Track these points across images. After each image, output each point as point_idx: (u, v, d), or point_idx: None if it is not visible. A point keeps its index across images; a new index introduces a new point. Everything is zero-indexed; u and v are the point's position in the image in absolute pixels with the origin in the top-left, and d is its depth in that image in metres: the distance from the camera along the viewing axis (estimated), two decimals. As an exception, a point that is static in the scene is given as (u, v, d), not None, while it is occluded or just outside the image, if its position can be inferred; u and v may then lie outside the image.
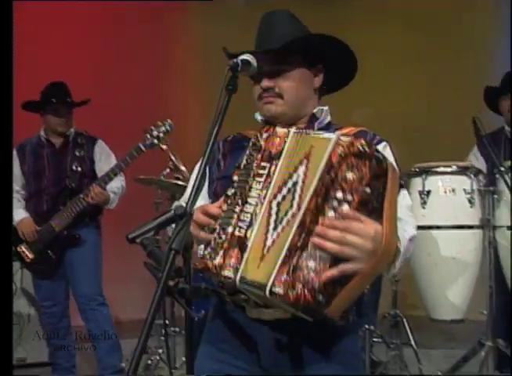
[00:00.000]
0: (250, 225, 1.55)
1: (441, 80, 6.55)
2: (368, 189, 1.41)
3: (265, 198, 1.56)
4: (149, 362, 4.52)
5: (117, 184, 4.18)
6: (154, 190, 4.46)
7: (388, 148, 1.82)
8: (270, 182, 1.56)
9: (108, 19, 6.55)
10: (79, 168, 4.07)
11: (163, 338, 4.65)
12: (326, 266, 1.39)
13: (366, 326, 3.84)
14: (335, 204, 1.42)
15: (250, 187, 1.59)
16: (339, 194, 1.42)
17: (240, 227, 1.56)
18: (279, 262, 1.44)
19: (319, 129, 1.84)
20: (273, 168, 1.58)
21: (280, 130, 1.62)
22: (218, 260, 1.54)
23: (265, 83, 1.82)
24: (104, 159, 4.28)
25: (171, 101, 6.73)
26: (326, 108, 1.90)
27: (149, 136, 3.69)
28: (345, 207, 1.41)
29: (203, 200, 1.81)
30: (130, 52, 6.45)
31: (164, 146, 3.74)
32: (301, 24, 1.91)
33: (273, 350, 1.67)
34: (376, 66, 6.50)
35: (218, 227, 1.58)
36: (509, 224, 3.57)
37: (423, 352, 4.49)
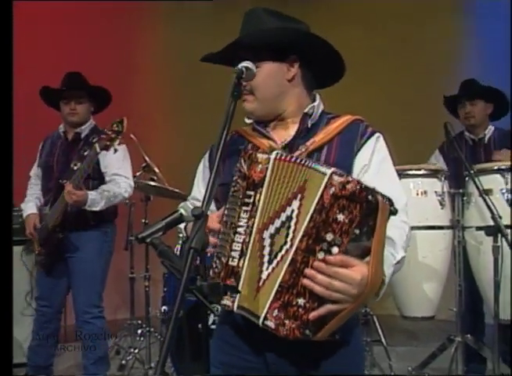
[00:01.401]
0: (242, 255, 1.62)
1: (403, 81, 6.66)
2: (358, 231, 1.46)
3: (252, 227, 1.61)
4: (124, 362, 4.57)
5: (110, 186, 4.01)
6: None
7: (381, 139, 1.85)
8: (256, 211, 1.61)
9: (68, 20, 6.49)
10: (76, 167, 3.84)
11: (138, 338, 4.72)
12: (315, 304, 1.49)
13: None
14: (325, 246, 1.48)
15: (239, 216, 1.63)
16: (329, 236, 1.47)
17: (233, 257, 1.62)
18: (272, 297, 1.54)
19: (314, 125, 1.87)
20: (258, 196, 1.62)
21: (260, 156, 1.64)
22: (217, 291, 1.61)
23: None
24: (108, 157, 3.94)
25: (134, 104, 6.72)
26: (316, 103, 1.89)
27: (103, 136, 3.59)
28: (335, 250, 1.47)
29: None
30: (91, 54, 6.38)
31: (118, 147, 3.66)
32: (277, 19, 1.88)
33: (278, 352, 1.73)
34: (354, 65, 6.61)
35: (214, 257, 1.65)
36: (477, 225, 3.69)
37: (390, 350, 4.64)
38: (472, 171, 3.57)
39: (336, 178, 1.50)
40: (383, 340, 4.57)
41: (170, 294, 4.11)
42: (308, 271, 1.49)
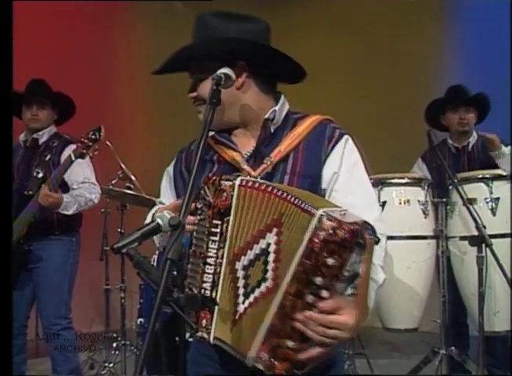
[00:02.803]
0: (214, 286, 1.61)
1: (386, 87, 6.70)
2: (346, 274, 1.47)
3: (222, 258, 1.60)
4: (98, 376, 4.53)
5: (81, 191, 3.98)
6: (102, 199, 4.43)
7: (350, 142, 1.82)
8: (225, 242, 1.60)
9: (44, 24, 6.45)
10: (40, 174, 3.85)
11: (113, 351, 4.68)
12: (305, 345, 1.49)
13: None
14: (314, 289, 1.46)
15: (207, 246, 1.62)
16: (319, 280, 1.45)
17: (205, 289, 1.61)
18: (260, 339, 1.52)
19: (277, 129, 1.84)
20: (225, 225, 1.60)
21: (224, 183, 1.61)
22: (191, 320, 1.61)
23: (190, 95, 1.87)
24: (77, 168, 3.89)
25: (115, 110, 6.70)
26: (278, 107, 1.85)
27: (79, 145, 3.57)
28: (324, 293, 1.46)
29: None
30: (68, 60, 6.35)
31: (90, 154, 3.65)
32: (229, 22, 1.84)
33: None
34: (320, 72, 6.65)
35: (185, 287, 1.64)
36: (461, 234, 3.72)
37: (373, 363, 4.63)
38: (456, 180, 3.60)
39: (326, 222, 1.45)
40: (365, 352, 4.57)
41: (146, 305, 4.09)
42: (300, 317, 1.47)
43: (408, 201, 3.79)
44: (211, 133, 1.88)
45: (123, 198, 4.74)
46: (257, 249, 1.56)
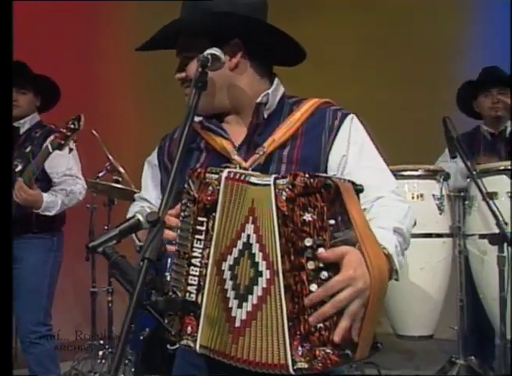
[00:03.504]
0: (200, 289, 1.61)
1: (400, 71, 6.67)
2: (332, 221, 1.46)
3: (208, 259, 1.60)
4: (83, 387, 4.55)
5: (63, 187, 3.98)
6: (88, 194, 4.45)
7: (356, 120, 1.85)
8: (211, 240, 1.60)
9: (27, 5, 6.45)
10: (19, 167, 3.83)
11: (99, 360, 4.70)
12: (334, 319, 1.45)
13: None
14: (309, 253, 1.46)
15: (192, 246, 1.63)
16: (308, 241, 1.46)
17: (190, 292, 1.61)
18: (287, 336, 1.48)
19: (271, 115, 1.85)
20: (211, 222, 1.60)
21: (210, 176, 1.62)
22: (176, 327, 1.62)
23: (177, 75, 1.87)
24: (56, 157, 3.83)
25: (103, 97, 6.69)
26: (271, 90, 1.86)
27: (57, 135, 3.57)
28: (321, 250, 1.45)
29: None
30: (54, 41, 6.34)
31: (71, 146, 3.66)
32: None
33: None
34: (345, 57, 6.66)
35: (169, 290, 1.63)
36: (481, 232, 3.72)
37: (384, 374, 4.64)
38: (474, 172, 3.57)
39: (281, 181, 1.51)
40: (376, 362, 4.57)
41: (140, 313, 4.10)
42: (307, 301, 1.46)
43: (421, 196, 3.79)
44: (199, 118, 1.89)
45: (110, 192, 4.77)
46: (240, 245, 1.57)
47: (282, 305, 1.49)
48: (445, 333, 4.03)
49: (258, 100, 1.84)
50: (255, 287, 1.53)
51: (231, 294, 1.57)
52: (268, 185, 1.52)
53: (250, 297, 1.54)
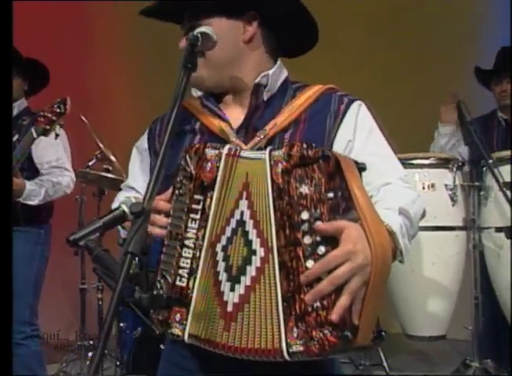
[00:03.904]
0: (192, 273, 1.59)
1: (420, 61, 6.63)
2: (331, 194, 1.45)
3: (203, 240, 1.59)
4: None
5: (49, 177, 3.97)
6: (77, 184, 4.43)
7: (364, 107, 1.84)
8: (207, 220, 1.59)
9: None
10: None
11: (89, 362, 4.68)
12: (332, 297, 1.42)
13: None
14: (306, 227, 1.46)
15: (186, 226, 1.62)
16: (304, 215, 1.46)
17: (181, 276, 1.60)
18: (281, 317, 1.46)
19: (272, 98, 1.85)
20: (208, 201, 1.60)
21: (210, 152, 1.62)
22: (163, 315, 1.60)
23: (181, 44, 1.83)
24: (44, 146, 3.91)
25: (94, 82, 6.67)
26: (271, 71, 1.85)
27: (41, 119, 3.54)
28: (318, 223, 1.44)
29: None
30: (44, 26, 6.32)
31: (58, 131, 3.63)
32: None
33: None
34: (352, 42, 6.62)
35: (158, 273, 1.63)
36: (497, 225, 3.67)
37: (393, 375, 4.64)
38: (490, 160, 3.54)
39: (276, 152, 1.53)
40: (385, 364, 4.57)
41: (130, 312, 4.09)
42: (302, 278, 1.44)
43: (433, 186, 3.76)
44: (199, 94, 1.89)
45: (100, 182, 4.74)
46: (233, 223, 1.56)
47: (276, 285, 1.48)
48: (458, 333, 4.00)
49: (257, 81, 1.84)
50: (248, 268, 1.53)
51: (223, 276, 1.56)
52: (262, 157, 1.54)
53: (243, 278, 1.53)
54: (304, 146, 1.49)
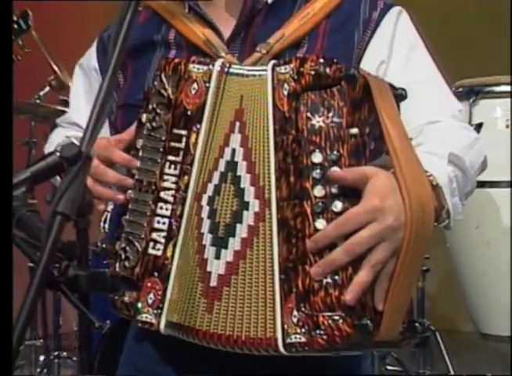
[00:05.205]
0: (170, 237, 1.60)
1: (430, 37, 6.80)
2: (355, 130, 1.44)
3: (186, 191, 1.59)
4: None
5: None
6: (24, 123, 4.44)
7: (405, 15, 1.87)
8: (192, 164, 1.59)
9: None
10: None
11: (40, 369, 4.72)
12: (348, 271, 1.40)
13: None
14: (317, 174, 1.44)
15: (162, 172, 1.62)
16: (316, 157, 1.45)
17: (155, 241, 1.60)
18: (277, 295, 1.46)
19: (278, 2, 1.84)
20: (193, 137, 1.61)
21: (196, 68, 1.63)
22: (129, 295, 1.61)
23: None
24: None
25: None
26: None
27: None
28: (335, 169, 1.42)
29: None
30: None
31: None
32: None
33: None
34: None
35: (121, 239, 1.62)
36: None
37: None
38: None
39: (282, 69, 1.51)
40: (452, 372, 4.57)
41: (97, 298, 4.13)
42: (309, 244, 1.43)
43: (519, 122, 3.70)
44: None
45: (55, 119, 4.73)
46: (221, 166, 1.58)
47: (273, 251, 1.49)
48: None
49: None
50: (238, 226, 1.55)
51: (207, 239, 1.57)
52: (263, 74, 1.54)
53: (231, 241, 1.55)
54: (321, 60, 1.47)
